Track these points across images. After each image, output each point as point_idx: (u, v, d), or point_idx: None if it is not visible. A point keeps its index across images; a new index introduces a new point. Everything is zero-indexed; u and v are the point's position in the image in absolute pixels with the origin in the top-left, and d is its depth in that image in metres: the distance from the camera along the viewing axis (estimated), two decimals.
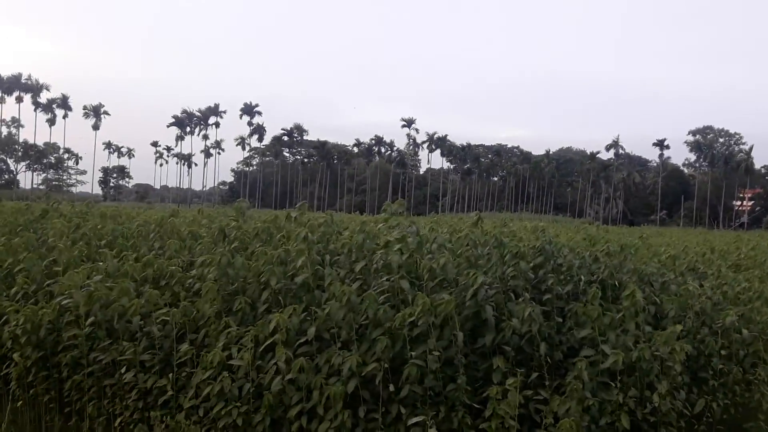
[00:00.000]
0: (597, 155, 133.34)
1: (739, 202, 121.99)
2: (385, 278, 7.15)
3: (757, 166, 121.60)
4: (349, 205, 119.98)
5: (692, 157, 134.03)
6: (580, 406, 6.26)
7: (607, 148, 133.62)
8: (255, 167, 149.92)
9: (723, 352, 8.02)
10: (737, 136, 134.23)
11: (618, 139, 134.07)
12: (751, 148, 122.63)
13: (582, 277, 7.87)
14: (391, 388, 6.17)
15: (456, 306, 6.43)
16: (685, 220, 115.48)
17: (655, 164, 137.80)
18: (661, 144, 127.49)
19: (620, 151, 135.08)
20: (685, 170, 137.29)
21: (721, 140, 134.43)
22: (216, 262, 7.43)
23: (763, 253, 18.16)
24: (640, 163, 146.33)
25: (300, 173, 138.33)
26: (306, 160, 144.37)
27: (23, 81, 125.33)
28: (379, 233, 8.31)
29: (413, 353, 6.24)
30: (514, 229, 9.29)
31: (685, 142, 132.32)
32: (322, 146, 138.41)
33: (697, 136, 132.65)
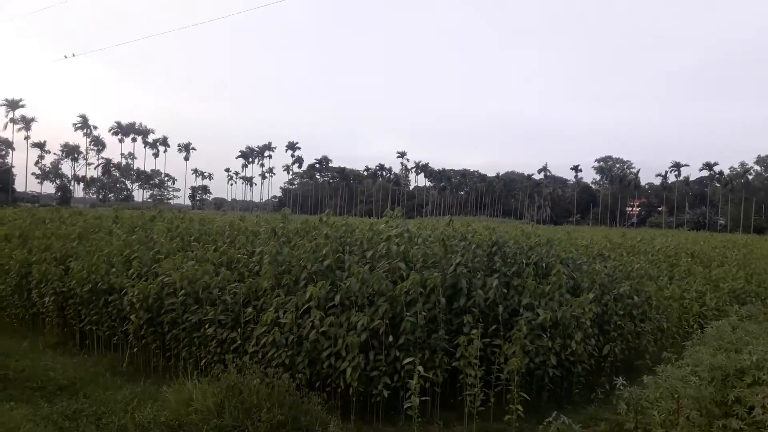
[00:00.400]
0: (532, 176, 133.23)
1: (630, 209, 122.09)
2: (386, 262, 7.17)
3: (643, 183, 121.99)
4: (361, 212, 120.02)
5: (597, 177, 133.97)
6: (522, 350, 6.27)
7: (539, 171, 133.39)
8: (296, 186, 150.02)
9: (621, 312, 8.00)
10: (629, 162, 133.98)
11: (546, 165, 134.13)
12: (638, 171, 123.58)
13: (523, 261, 7.87)
14: (390, 338, 6.17)
15: (439, 280, 6.46)
16: (593, 221, 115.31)
17: (572, 182, 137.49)
18: (576, 168, 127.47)
19: (548, 173, 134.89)
20: (593, 186, 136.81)
21: (617, 165, 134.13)
22: (269, 252, 7.43)
23: (645, 243, 18.16)
24: (561, 181, 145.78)
25: (327, 190, 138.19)
26: (331, 181, 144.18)
27: (136, 126, 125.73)
28: (383, 231, 8.34)
29: (407, 313, 6.25)
30: (476, 228, 9.25)
31: (593, 166, 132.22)
32: (342, 171, 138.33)
33: (601, 162, 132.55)
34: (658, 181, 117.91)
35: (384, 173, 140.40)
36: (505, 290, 7.18)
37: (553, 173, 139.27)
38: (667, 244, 18.10)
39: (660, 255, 15.05)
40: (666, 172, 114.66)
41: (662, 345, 8.70)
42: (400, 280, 6.65)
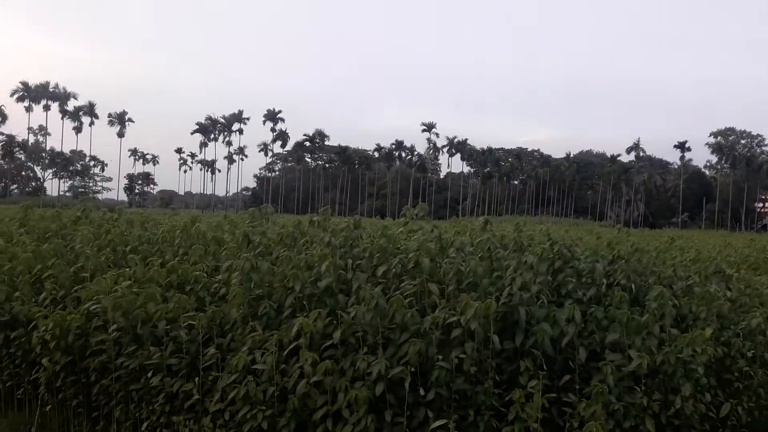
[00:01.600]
0: (618, 158, 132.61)
1: (761, 204, 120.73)
2: (406, 282, 7.16)
3: None
4: (370, 210, 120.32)
5: (714, 158, 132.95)
6: (605, 409, 6.23)
7: (628, 151, 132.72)
8: (277, 173, 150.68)
9: (749, 354, 7.92)
10: (759, 138, 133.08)
11: (639, 141, 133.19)
12: None
13: (604, 282, 7.82)
14: (422, 392, 6.16)
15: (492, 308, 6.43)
16: (706, 222, 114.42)
17: (676, 166, 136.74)
18: (682, 146, 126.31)
19: (641, 153, 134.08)
20: (707, 172, 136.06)
21: (743, 141, 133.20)
22: (240, 267, 7.45)
23: None
24: (661, 165, 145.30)
25: (321, 179, 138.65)
26: (327, 165, 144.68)
27: (51, 89, 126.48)
28: (400, 237, 8.34)
29: (440, 356, 6.23)
30: (533, 233, 9.22)
31: (707, 143, 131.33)
32: (343, 151, 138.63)
33: (719, 138, 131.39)
34: None
35: (403, 153, 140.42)
36: (583, 324, 7.14)
37: (648, 153, 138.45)
38: None
39: None
40: None
41: None
42: (431, 310, 6.64)
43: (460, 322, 6.34)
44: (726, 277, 10.14)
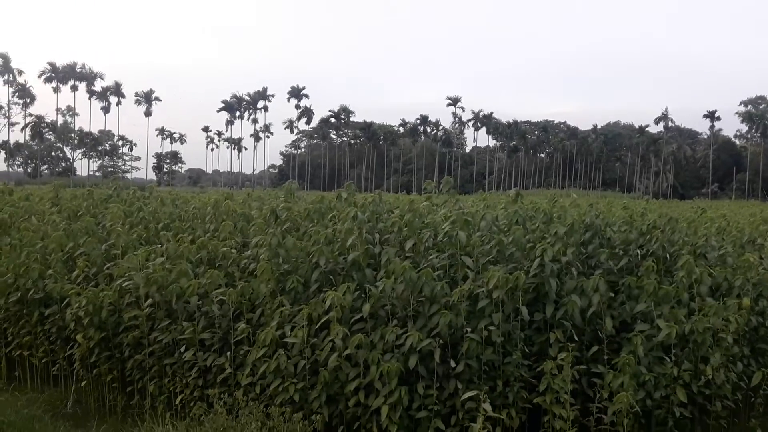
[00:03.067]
0: (646, 129, 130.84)
1: None
2: (434, 255, 7.16)
3: None
4: (396, 186, 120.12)
5: (744, 128, 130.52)
6: (635, 380, 6.20)
7: (656, 122, 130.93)
8: (303, 150, 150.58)
9: None
10: None
11: (667, 111, 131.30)
12: None
13: (638, 252, 7.76)
14: (453, 363, 6.17)
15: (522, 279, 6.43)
16: (737, 192, 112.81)
17: (705, 136, 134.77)
18: (711, 115, 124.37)
19: (670, 124, 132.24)
20: (737, 142, 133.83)
21: None
22: (268, 243, 7.48)
23: None
24: (690, 135, 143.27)
25: (347, 155, 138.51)
26: (353, 141, 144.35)
27: (78, 70, 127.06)
28: (427, 212, 8.32)
29: (470, 328, 6.24)
30: (564, 204, 9.13)
31: (737, 113, 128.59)
32: (368, 127, 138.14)
33: (749, 107, 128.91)
34: None
35: (428, 129, 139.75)
36: (612, 294, 7.10)
37: (677, 124, 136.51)
38: None
39: None
40: None
41: None
42: (462, 282, 6.64)
43: (486, 293, 6.36)
44: (758, 246, 10.02)
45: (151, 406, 7.50)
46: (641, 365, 6.33)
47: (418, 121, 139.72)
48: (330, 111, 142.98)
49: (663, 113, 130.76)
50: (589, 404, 6.35)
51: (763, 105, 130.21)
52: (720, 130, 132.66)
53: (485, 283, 6.39)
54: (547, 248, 6.85)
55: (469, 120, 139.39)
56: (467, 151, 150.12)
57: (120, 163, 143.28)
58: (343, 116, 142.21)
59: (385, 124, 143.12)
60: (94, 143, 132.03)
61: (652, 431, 6.67)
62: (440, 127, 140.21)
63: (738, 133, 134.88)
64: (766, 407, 7.55)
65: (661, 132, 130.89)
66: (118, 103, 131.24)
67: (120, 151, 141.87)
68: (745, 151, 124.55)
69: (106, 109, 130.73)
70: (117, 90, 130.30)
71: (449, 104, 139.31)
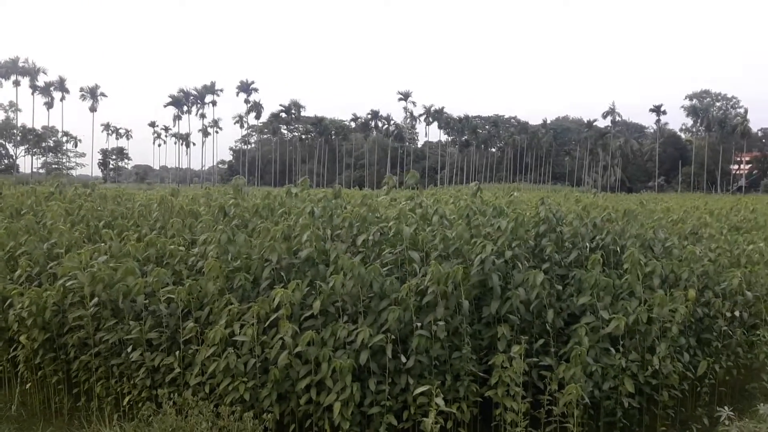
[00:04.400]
0: (594, 123, 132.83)
1: (736, 166, 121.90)
2: (387, 251, 7.18)
3: (755, 128, 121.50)
4: (349, 181, 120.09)
5: (689, 122, 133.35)
6: (584, 371, 6.29)
7: (604, 116, 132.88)
8: (253, 145, 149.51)
9: (728, 314, 8.01)
10: (734, 100, 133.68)
11: (614, 106, 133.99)
12: (746, 111, 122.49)
13: (588, 245, 7.87)
14: (403, 359, 6.19)
15: (460, 274, 6.47)
16: (683, 185, 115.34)
17: (652, 130, 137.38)
18: (657, 110, 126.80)
19: (617, 118, 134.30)
20: (683, 135, 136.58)
21: (718, 104, 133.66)
22: (216, 240, 7.42)
23: (762, 215, 18.14)
24: (637, 129, 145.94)
25: (298, 150, 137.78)
26: (304, 136, 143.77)
27: (20, 64, 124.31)
28: (379, 206, 8.34)
29: (419, 324, 6.27)
30: (523, 199, 9.25)
31: (682, 106, 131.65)
32: (319, 122, 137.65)
33: (694, 101, 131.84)
34: None
35: (380, 123, 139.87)
36: (560, 287, 7.19)
37: (624, 118, 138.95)
38: None
39: None
40: None
41: None
42: (410, 277, 6.66)
43: (429, 288, 6.41)
44: (699, 238, 10.26)
45: (98, 407, 7.39)
46: (588, 356, 6.43)
47: (370, 116, 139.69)
48: (280, 105, 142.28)
49: (610, 108, 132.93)
50: (539, 396, 6.43)
51: (707, 99, 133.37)
52: (666, 123, 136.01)
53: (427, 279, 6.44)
54: (486, 243, 6.89)
55: (420, 115, 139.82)
56: (419, 145, 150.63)
57: (64, 160, 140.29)
58: (293, 111, 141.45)
59: (336, 119, 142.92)
60: (37, 140, 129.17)
61: (601, 422, 6.78)
62: (392, 122, 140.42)
63: (683, 127, 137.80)
64: (711, 396, 7.73)
65: (608, 126, 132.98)
66: (62, 99, 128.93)
67: (64, 148, 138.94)
68: (690, 145, 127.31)
69: (49, 105, 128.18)
70: (61, 85, 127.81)
71: (400, 99, 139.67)
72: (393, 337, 6.21)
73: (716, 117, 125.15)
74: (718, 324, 7.91)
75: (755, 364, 8.29)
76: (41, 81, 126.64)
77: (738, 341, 8.08)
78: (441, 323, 6.29)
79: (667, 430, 7.14)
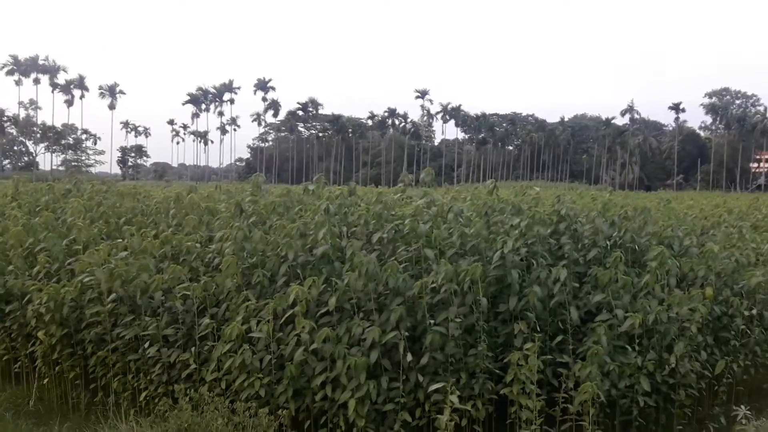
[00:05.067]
0: (612, 121, 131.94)
1: (755, 164, 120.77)
2: (403, 248, 7.17)
3: None
4: (365, 179, 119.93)
5: (708, 120, 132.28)
6: (600, 370, 6.26)
7: (622, 114, 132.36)
8: (271, 143, 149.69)
9: (746, 313, 7.95)
10: (754, 98, 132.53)
11: (633, 103, 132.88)
12: (765, 109, 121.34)
13: (607, 243, 7.82)
14: (409, 357, 6.18)
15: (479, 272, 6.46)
16: (701, 183, 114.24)
17: (671, 128, 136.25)
18: (676, 107, 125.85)
19: (635, 116, 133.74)
20: (702, 133, 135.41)
21: (737, 102, 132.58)
22: (233, 237, 7.44)
23: None
24: (656, 127, 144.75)
25: (315, 148, 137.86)
26: (321, 134, 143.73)
27: (40, 62, 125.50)
28: (395, 204, 8.34)
29: (433, 321, 6.26)
30: (533, 196, 9.21)
31: (702, 104, 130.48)
32: (336, 120, 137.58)
33: (714, 99, 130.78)
34: None
35: (397, 121, 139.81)
36: (577, 285, 7.16)
37: (642, 116, 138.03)
38: None
39: None
40: None
41: None
42: (426, 274, 6.66)
43: (443, 286, 6.40)
44: (711, 237, 10.20)
45: (115, 402, 7.43)
46: (605, 354, 6.40)
47: (387, 114, 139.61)
48: (298, 103, 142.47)
49: (629, 105, 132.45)
50: (554, 394, 6.40)
51: (727, 97, 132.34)
52: (685, 121, 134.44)
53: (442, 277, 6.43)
54: (507, 240, 6.89)
55: (437, 113, 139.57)
56: (436, 143, 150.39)
57: (84, 157, 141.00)
58: (311, 108, 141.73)
59: (353, 116, 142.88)
60: (57, 137, 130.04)
61: (617, 420, 6.75)
62: (408, 120, 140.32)
63: (703, 125, 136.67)
64: (729, 395, 7.67)
65: (627, 124, 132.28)
66: (82, 96, 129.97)
67: (84, 145, 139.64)
68: (710, 143, 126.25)
69: (69, 103, 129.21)
70: (80, 83, 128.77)
71: (417, 97, 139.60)
72: (406, 334, 6.21)
73: (736, 115, 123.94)
74: (736, 323, 7.85)
75: None
76: (61, 79, 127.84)
77: (756, 340, 8.01)
78: (455, 321, 6.28)
79: (684, 428, 7.09)
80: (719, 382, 7.58)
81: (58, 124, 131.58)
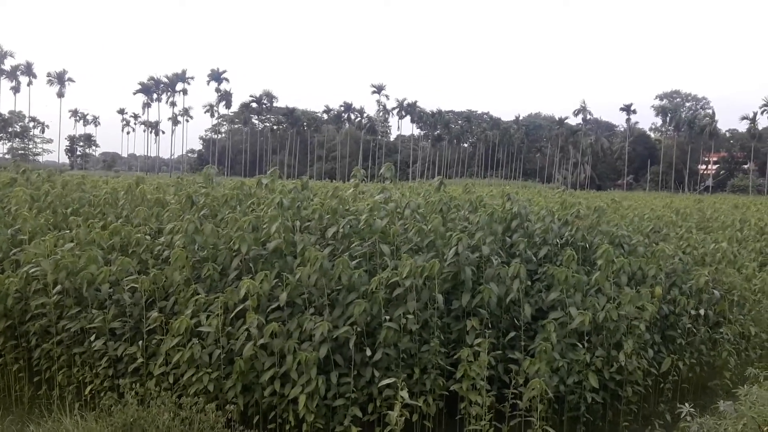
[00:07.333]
0: (565, 120, 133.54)
1: (703, 166, 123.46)
2: (356, 243, 7.16)
3: (723, 129, 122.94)
4: (320, 173, 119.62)
5: (659, 121, 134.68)
6: (549, 366, 6.35)
7: (575, 114, 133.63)
8: (224, 135, 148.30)
9: (693, 312, 8.12)
10: (704, 100, 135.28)
11: (585, 104, 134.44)
12: (714, 112, 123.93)
13: (558, 241, 7.92)
14: (368, 352, 6.19)
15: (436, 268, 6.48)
16: (651, 184, 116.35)
17: (622, 129, 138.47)
18: (628, 109, 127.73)
19: (588, 116, 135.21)
20: (652, 135, 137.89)
21: (687, 104, 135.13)
22: (184, 229, 7.36)
23: (725, 215, 18.42)
24: (608, 128, 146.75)
25: (270, 141, 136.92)
26: (275, 127, 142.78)
27: None
28: (349, 199, 8.33)
29: (388, 317, 6.27)
30: (486, 194, 9.29)
31: (652, 106, 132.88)
32: (291, 113, 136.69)
33: (664, 101, 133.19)
34: (744, 127, 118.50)
35: (353, 116, 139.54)
36: (529, 282, 7.24)
37: (595, 116, 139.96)
38: (759, 217, 18.36)
39: (749, 231, 15.20)
40: (755, 114, 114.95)
41: (747, 358, 8.90)
42: (380, 270, 6.66)
43: (399, 282, 6.41)
44: (663, 237, 10.38)
45: (59, 396, 7.29)
46: (555, 351, 6.49)
47: (343, 108, 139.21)
48: (251, 96, 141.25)
49: (581, 106, 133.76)
50: (505, 390, 6.46)
51: (677, 99, 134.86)
52: (636, 123, 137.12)
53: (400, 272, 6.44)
54: (462, 237, 6.92)
55: (393, 108, 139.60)
56: (392, 139, 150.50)
57: (31, 146, 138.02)
58: (265, 101, 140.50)
59: (308, 110, 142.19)
60: (3, 125, 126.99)
61: (565, 416, 6.85)
62: (365, 115, 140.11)
63: (653, 126, 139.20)
64: (674, 393, 7.82)
65: (579, 124, 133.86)
66: (29, 84, 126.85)
67: (31, 133, 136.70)
68: (659, 144, 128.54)
69: (15, 89, 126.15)
70: (28, 69, 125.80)
71: (374, 92, 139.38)
72: (359, 329, 6.21)
73: (685, 117, 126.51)
74: (683, 321, 8.01)
75: (717, 362, 8.40)
76: (7, 65, 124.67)
77: (702, 339, 8.18)
78: (411, 316, 6.30)
79: (630, 425, 7.22)
80: (665, 380, 7.73)
81: (4, 112, 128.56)
